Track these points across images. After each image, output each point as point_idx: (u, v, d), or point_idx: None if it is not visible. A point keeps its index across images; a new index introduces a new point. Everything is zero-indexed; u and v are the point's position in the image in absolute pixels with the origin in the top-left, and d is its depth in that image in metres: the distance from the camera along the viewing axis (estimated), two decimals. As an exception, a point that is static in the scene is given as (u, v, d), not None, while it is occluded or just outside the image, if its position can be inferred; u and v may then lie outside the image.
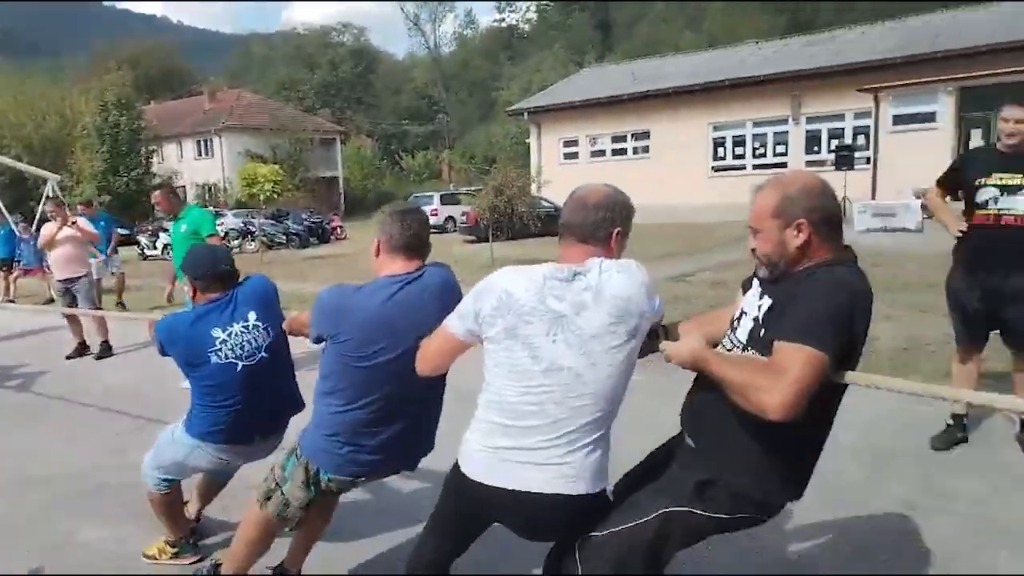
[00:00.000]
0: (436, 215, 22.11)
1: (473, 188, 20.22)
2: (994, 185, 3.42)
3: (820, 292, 1.68)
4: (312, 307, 2.17)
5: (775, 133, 20.12)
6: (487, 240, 14.18)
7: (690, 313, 6.35)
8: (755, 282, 1.89)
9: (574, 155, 24.05)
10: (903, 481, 3.25)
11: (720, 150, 21.21)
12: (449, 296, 2.09)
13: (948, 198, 3.74)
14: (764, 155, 20.32)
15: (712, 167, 21.16)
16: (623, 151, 23.13)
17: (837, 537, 2.81)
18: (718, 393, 1.71)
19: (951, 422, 3.67)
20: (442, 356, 1.95)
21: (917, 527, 2.84)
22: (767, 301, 1.80)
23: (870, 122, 17.78)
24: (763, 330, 1.77)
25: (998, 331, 3.55)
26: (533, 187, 21.49)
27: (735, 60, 22.51)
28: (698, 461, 1.82)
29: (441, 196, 24.98)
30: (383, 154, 48.32)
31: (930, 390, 2.02)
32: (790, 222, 1.74)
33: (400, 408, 2.15)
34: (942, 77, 16.35)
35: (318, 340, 2.16)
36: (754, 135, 20.51)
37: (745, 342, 1.82)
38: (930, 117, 16.91)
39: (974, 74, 15.84)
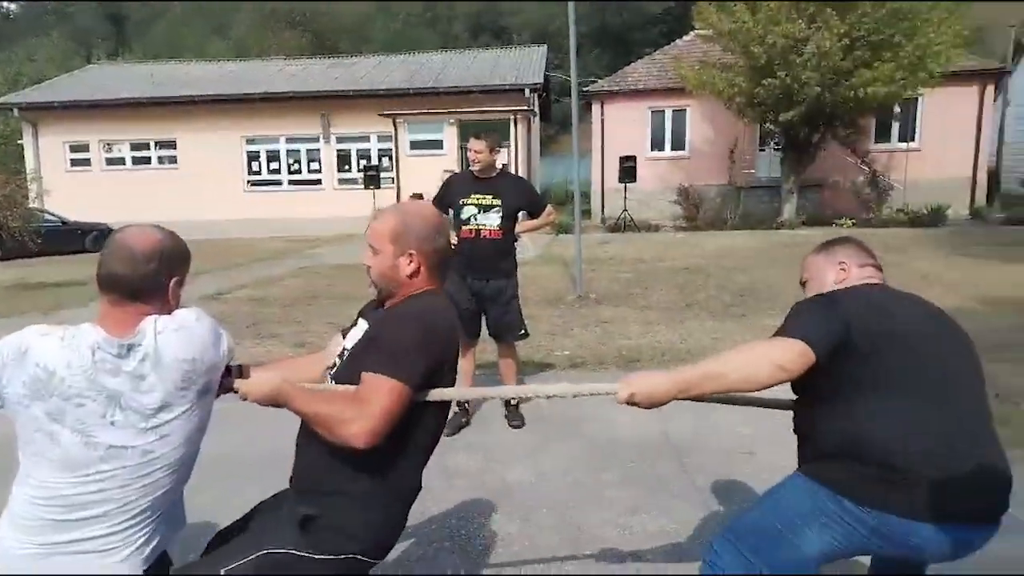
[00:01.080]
0: None
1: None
2: (472, 204, 4.30)
3: (405, 322, 1.77)
4: None
5: (308, 150, 20.79)
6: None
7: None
8: (360, 322, 1.96)
9: (85, 161, 21.04)
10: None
11: (255, 164, 21.00)
12: None
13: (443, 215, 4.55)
14: (299, 171, 20.85)
15: (248, 181, 20.85)
16: (146, 160, 21.13)
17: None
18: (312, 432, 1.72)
19: (456, 410, 4.33)
20: None
21: (427, 506, 3.24)
22: (364, 328, 1.88)
23: (392, 145, 19.76)
24: (346, 359, 1.85)
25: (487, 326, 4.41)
26: (31, 197, 18.15)
27: (265, 74, 22.57)
28: (301, 500, 1.77)
29: None
30: None
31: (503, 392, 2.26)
32: (404, 250, 1.83)
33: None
34: (445, 111, 19.14)
35: None
36: (288, 151, 20.86)
37: (332, 378, 1.89)
38: (438, 144, 19.60)
39: (466, 110, 18.94)
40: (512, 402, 4.45)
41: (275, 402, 1.72)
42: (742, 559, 1.84)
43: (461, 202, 4.31)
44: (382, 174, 19.14)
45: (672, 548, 2.92)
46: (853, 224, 16.12)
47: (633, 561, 2.81)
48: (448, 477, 3.59)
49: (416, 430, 1.78)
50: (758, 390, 1.78)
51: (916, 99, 17.65)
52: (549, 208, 4.58)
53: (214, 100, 20.27)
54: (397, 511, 1.82)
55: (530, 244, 12.56)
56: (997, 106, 19.68)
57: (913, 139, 18.56)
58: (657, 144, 19.78)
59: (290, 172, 20.90)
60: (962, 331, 1.88)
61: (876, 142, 18.46)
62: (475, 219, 4.27)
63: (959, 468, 1.66)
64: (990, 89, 18.49)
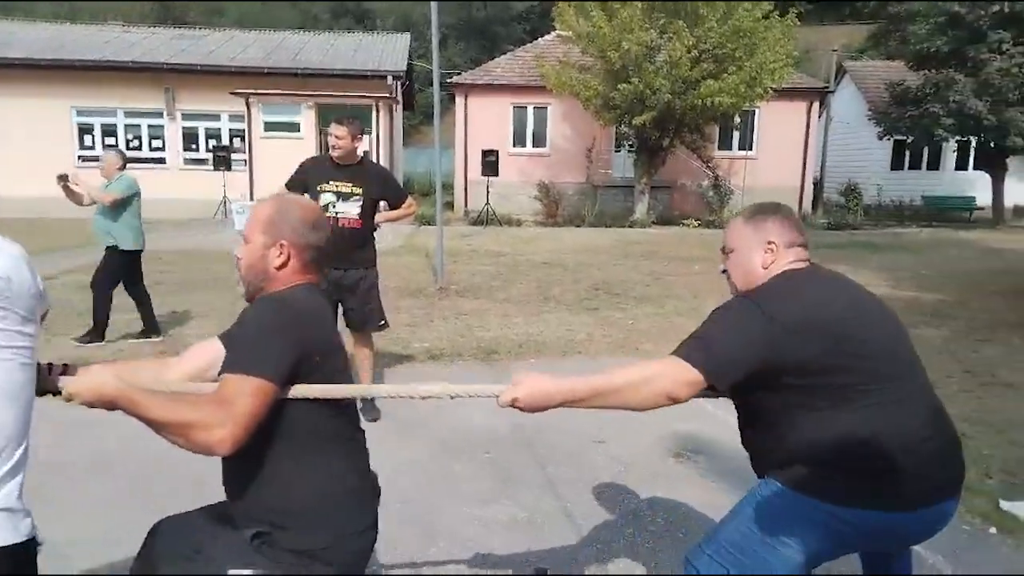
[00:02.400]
0: None
1: None
2: (331, 192, 4.16)
3: (262, 312, 1.67)
4: None
5: (150, 126, 19.27)
6: None
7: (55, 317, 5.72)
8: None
9: None
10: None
11: (88, 138, 19.17)
12: None
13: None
14: (140, 148, 19.28)
15: (79, 156, 18.96)
16: (-43, 127, 18.74)
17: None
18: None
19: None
20: None
21: None
22: None
23: (244, 125, 18.73)
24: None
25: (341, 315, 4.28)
26: None
27: (100, 40, 20.61)
28: (241, 517, 1.66)
29: None
30: None
31: (390, 391, 2.13)
32: (275, 240, 1.73)
33: None
34: (301, 93, 18.39)
35: None
36: (127, 125, 19.24)
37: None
38: (295, 127, 18.80)
39: (326, 93, 18.31)
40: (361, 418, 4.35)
41: (112, 404, 1.51)
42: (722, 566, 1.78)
43: (319, 188, 4.15)
44: (234, 156, 18.10)
45: (524, 538, 2.97)
46: (699, 224, 17.22)
47: (485, 552, 2.84)
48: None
49: (310, 424, 1.65)
50: (642, 411, 1.77)
51: (754, 111, 19.16)
52: (410, 199, 4.52)
53: (39, 65, 18.27)
54: (348, 514, 1.69)
55: (389, 234, 12.39)
56: (821, 122, 21.73)
57: (751, 148, 20.10)
58: (519, 139, 20.11)
59: (129, 148, 19.26)
60: (889, 309, 1.87)
61: (719, 149, 19.83)
62: (333, 207, 4.13)
63: (930, 453, 1.71)
64: (816, 106, 20.40)
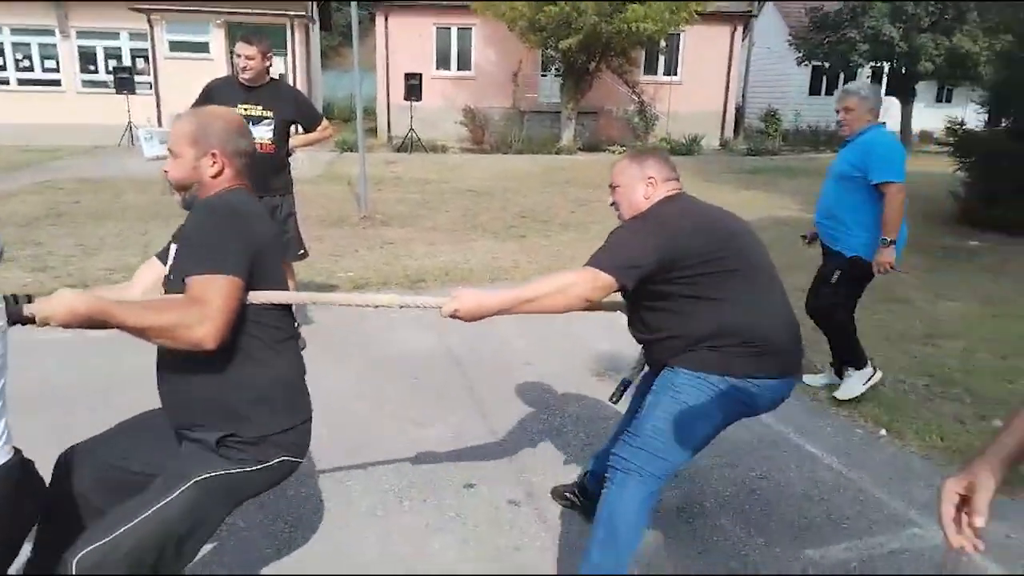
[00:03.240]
0: None
1: None
2: (241, 115, 3.97)
3: (207, 216, 1.75)
4: None
5: (41, 45, 17.76)
6: None
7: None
8: (172, 245, 1.88)
9: None
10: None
11: (-30, 57, 17.60)
12: None
13: None
14: (31, 69, 17.82)
15: (-37, 77, 17.46)
16: None
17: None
18: (169, 359, 1.72)
19: None
20: None
21: None
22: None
23: (147, 45, 17.49)
24: (173, 272, 1.79)
25: None
26: None
27: (-25, -53, 18.66)
28: (200, 428, 1.72)
29: None
30: None
31: (342, 299, 2.41)
32: (206, 151, 1.80)
33: None
34: (207, 9, 17.22)
35: None
36: (15, 44, 17.67)
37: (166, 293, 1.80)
38: (204, 47, 17.70)
39: (235, 10, 17.22)
40: (295, 323, 4.32)
41: (91, 321, 1.55)
42: (653, 459, 2.03)
43: None
44: (137, 78, 16.95)
45: (452, 456, 3.06)
46: (624, 150, 17.33)
47: (413, 470, 2.92)
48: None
49: (259, 321, 1.75)
50: (564, 313, 2.07)
51: (679, 36, 19.12)
52: (325, 123, 4.37)
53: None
54: (299, 404, 1.85)
55: (306, 160, 12.01)
56: (744, 47, 21.93)
57: (676, 73, 20.15)
58: (443, 62, 19.53)
59: (19, 69, 17.79)
60: (752, 228, 2.26)
61: (645, 74, 19.79)
62: None
63: (791, 335, 2.15)
64: (739, 31, 20.52)
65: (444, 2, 18.65)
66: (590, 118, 19.09)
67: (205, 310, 1.59)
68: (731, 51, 20.30)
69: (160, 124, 16.55)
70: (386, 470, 2.93)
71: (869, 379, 3.73)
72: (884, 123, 3.65)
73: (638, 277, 2.03)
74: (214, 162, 1.82)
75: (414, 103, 16.96)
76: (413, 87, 16.95)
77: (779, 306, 2.16)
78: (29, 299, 1.63)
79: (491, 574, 2.33)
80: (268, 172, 4.03)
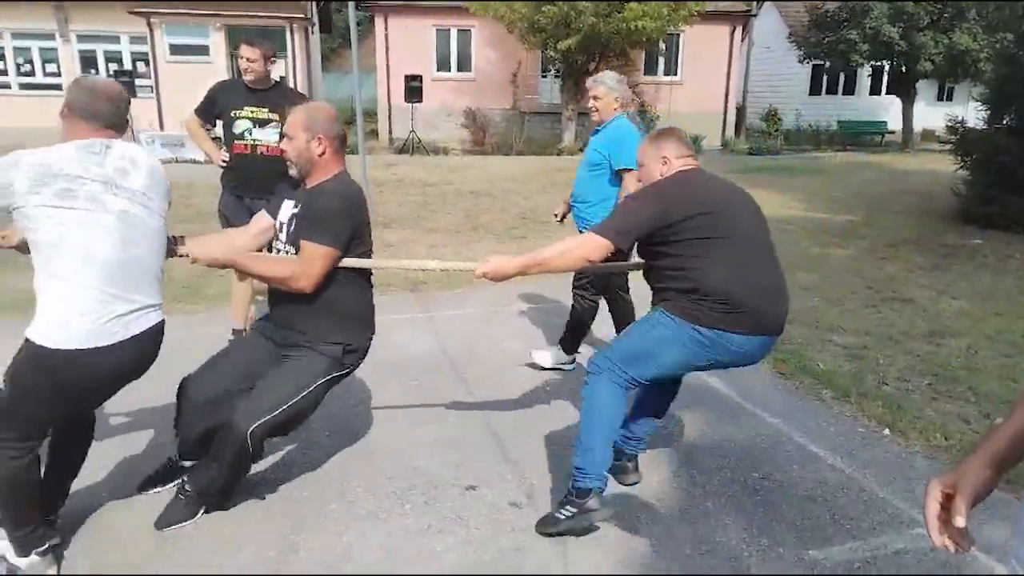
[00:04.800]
0: None
1: None
2: (247, 118, 3.97)
3: (331, 201, 2.42)
4: None
5: (42, 49, 17.79)
6: None
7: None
8: (284, 201, 2.57)
9: None
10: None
11: (-29, 62, 17.61)
12: None
13: (208, 127, 4.15)
14: (32, 73, 17.84)
15: (-37, 82, 17.47)
16: None
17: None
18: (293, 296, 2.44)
19: (231, 337, 4.14)
20: None
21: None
22: (295, 208, 2.49)
23: (148, 48, 17.51)
24: (292, 229, 2.48)
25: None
26: None
27: (-24, -48, 18.67)
28: (321, 337, 2.48)
29: None
30: None
31: (403, 264, 3.44)
32: (314, 135, 2.43)
33: None
34: (206, 12, 17.23)
35: None
36: (16, 48, 17.70)
37: (286, 242, 2.52)
38: (204, 50, 17.71)
39: (234, 13, 17.23)
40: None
41: (225, 265, 2.48)
42: (617, 371, 2.44)
43: (233, 114, 3.95)
44: (138, 81, 16.95)
45: (451, 456, 3.05)
46: (624, 151, 17.30)
47: (413, 470, 2.91)
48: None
49: (355, 270, 2.53)
50: (569, 271, 2.72)
51: (678, 35, 19.10)
52: None
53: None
54: (372, 325, 2.69)
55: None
56: (744, 47, 21.91)
57: (676, 73, 20.15)
58: (443, 64, 19.53)
59: (20, 74, 17.81)
60: (752, 199, 2.56)
61: (645, 74, 19.78)
62: (250, 134, 3.96)
63: (771, 299, 2.41)
64: (739, 30, 20.50)
65: (442, 3, 18.64)
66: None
67: (308, 270, 2.38)
68: (731, 51, 20.29)
69: (161, 127, 16.57)
70: (387, 472, 2.92)
71: (561, 364, 4.07)
72: (628, 112, 4.01)
73: (631, 241, 2.44)
74: (320, 144, 2.44)
75: (415, 105, 16.97)
76: (414, 89, 16.95)
77: (760, 272, 2.42)
78: (176, 239, 2.39)
79: (490, 574, 2.32)
80: (273, 174, 4.01)
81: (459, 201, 10.12)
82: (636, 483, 2.82)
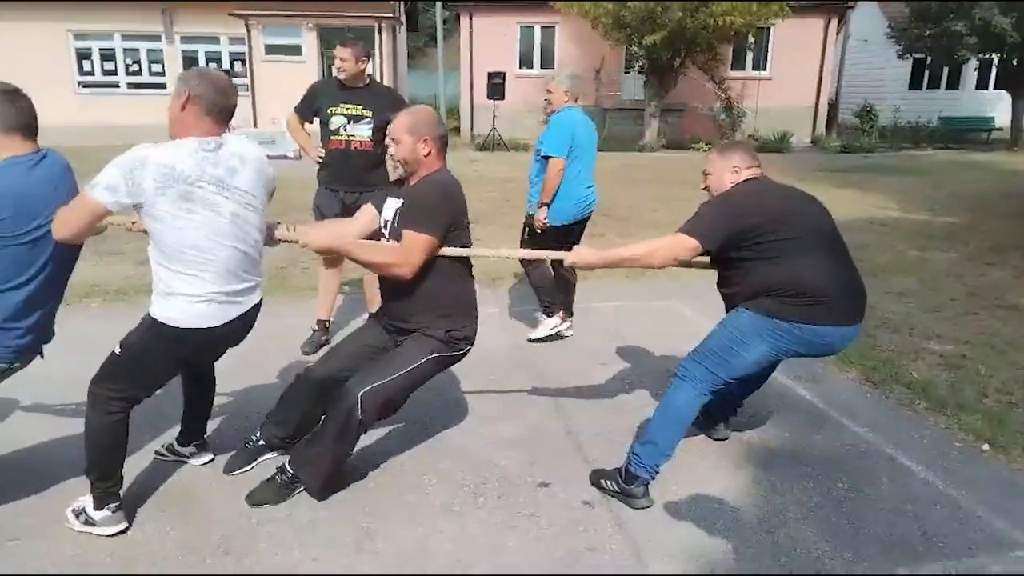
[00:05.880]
0: None
1: None
2: (342, 114, 4.10)
3: (431, 192, 2.58)
4: None
5: (149, 50, 18.82)
6: None
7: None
8: (388, 199, 2.72)
9: None
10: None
11: (87, 64, 18.78)
12: (71, 176, 2.39)
13: (306, 124, 4.31)
14: (139, 73, 18.92)
15: (79, 83, 18.69)
16: (-48, 53, 18.38)
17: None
18: (406, 285, 2.58)
19: (315, 327, 4.31)
20: (86, 224, 2.18)
21: None
22: (399, 202, 2.63)
23: (245, 48, 18.29)
24: (395, 224, 2.60)
25: None
26: None
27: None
28: (427, 324, 2.63)
29: None
30: None
31: (499, 253, 3.24)
32: (420, 137, 2.58)
33: (49, 286, 2.34)
34: (300, 13, 17.85)
35: None
36: (125, 50, 18.80)
37: (389, 237, 2.65)
38: (297, 50, 18.36)
39: (326, 13, 17.78)
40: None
41: (333, 251, 2.67)
42: (706, 371, 2.63)
43: (329, 110, 4.10)
44: (235, 80, 17.68)
45: (528, 455, 3.06)
46: (709, 148, 16.87)
47: (490, 468, 2.93)
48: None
49: (454, 267, 2.66)
50: (658, 268, 2.73)
51: (768, 29, 18.48)
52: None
53: (33, -12, 17.75)
54: (476, 311, 2.79)
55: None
56: (839, 40, 21.00)
57: (765, 68, 19.52)
58: (526, 61, 19.58)
59: (128, 74, 18.91)
60: (817, 200, 2.72)
61: (732, 69, 19.23)
62: (344, 129, 4.09)
63: (846, 291, 2.56)
64: (834, 23, 19.66)
65: (528, 0, 18.67)
66: (674, 115, 18.74)
67: (408, 257, 2.51)
68: (824, 44, 19.50)
69: (255, 125, 17.27)
70: (461, 467, 2.95)
71: (555, 328, 4.42)
72: (577, 105, 4.35)
73: (715, 242, 2.57)
74: (425, 145, 2.59)
75: (497, 102, 17.08)
76: (496, 86, 17.05)
77: (832, 268, 2.56)
78: (276, 225, 2.56)
79: (493, 574, 2.32)
80: (367, 169, 4.15)
81: (538, 198, 10.10)
82: (725, 439, 3.16)
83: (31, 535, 2.41)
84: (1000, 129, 19.74)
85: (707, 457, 3.06)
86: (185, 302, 2.24)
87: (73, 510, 2.45)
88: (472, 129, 19.02)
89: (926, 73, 21.83)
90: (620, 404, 3.59)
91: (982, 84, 21.50)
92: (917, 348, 4.36)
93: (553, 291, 4.45)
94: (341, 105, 4.08)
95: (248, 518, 2.55)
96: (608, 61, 18.81)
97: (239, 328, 2.42)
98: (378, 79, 17.34)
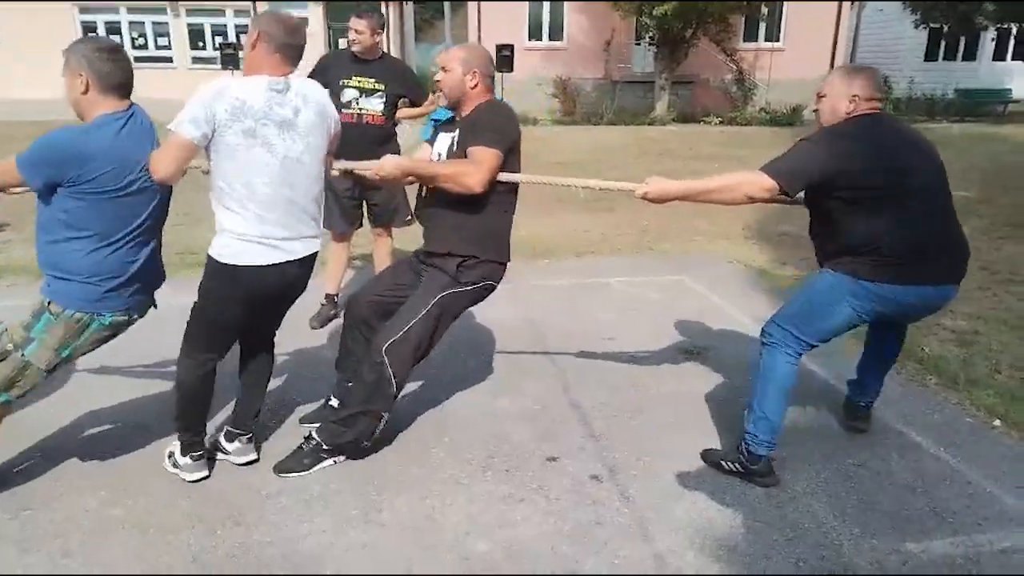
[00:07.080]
0: None
1: None
2: (354, 87, 4.05)
3: (492, 114, 2.66)
4: (27, 157, 2.19)
5: (154, 23, 18.75)
6: None
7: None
8: (440, 134, 2.80)
9: None
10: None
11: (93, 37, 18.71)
12: (155, 131, 2.41)
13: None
14: (146, 47, 18.85)
15: (85, 56, 18.61)
16: (-41, 28, 18.32)
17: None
18: (436, 207, 2.71)
19: (323, 302, 4.31)
20: (180, 160, 2.25)
21: (293, 397, 3.39)
22: (454, 133, 2.70)
23: (250, 21, 18.12)
24: (456, 147, 2.65)
25: (366, 212, 4.31)
26: None
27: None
28: (449, 249, 2.66)
29: None
30: None
31: (562, 181, 2.99)
32: (469, 69, 2.65)
33: (146, 236, 2.39)
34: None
35: (49, 189, 2.20)
36: (131, 23, 18.72)
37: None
38: (303, 22, 18.18)
39: (336, -14, 17.59)
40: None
41: (406, 174, 2.66)
42: (791, 335, 2.58)
43: (341, 83, 4.03)
44: (241, 53, 17.60)
45: (533, 428, 3.06)
46: (720, 122, 16.71)
47: (496, 442, 2.94)
48: (315, 365, 3.56)
49: (499, 189, 2.68)
50: (732, 205, 2.62)
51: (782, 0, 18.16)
52: (431, 96, 4.39)
53: (37, -41, 17.62)
54: (508, 249, 2.82)
55: (410, 130, 12.16)
56: (854, 9, 20.60)
57: (778, 39, 19.21)
58: (535, 33, 19.33)
59: (135, 47, 18.84)
60: (935, 150, 2.53)
61: (745, 40, 18.96)
62: (357, 103, 4.03)
63: (939, 249, 2.46)
64: (849, -8, 19.29)
65: (537, -29, 18.37)
66: (684, 87, 18.51)
67: (479, 167, 2.54)
68: (839, 14, 19.15)
69: (262, 98, 17.16)
70: (469, 439, 2.96)
71: None
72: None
73: (801, 186, 2.42)
74: (473, 77, 2.66)
75: (505, 74, 16.88)
76: (505, 59, 16.80)
77: (929, 227, 2.42)
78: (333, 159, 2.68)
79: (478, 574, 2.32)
80: (377, 142, 4.09)
81: (547, 171, 10.00)
82: (864, 430, 3.03)
83: (45, 506, 2.44)
84: (1017, 101, 19.41)
85: (715, 432, 3.05)
86: (230, 237, 2.34)
87: (169, 452, 2.64)
88: (480, 102, 18.82)
89: (942, 43, 21.43)
90: (629, 379, 3.58)
91: (999, 55, 21.09)
92: (929, 324, 4.31)
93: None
94: (354, 78, 4.02)
95: (258, 490, 2.57)
96: (618, 32, 18.55)
97: (291, 277, 2.47)
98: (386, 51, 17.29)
